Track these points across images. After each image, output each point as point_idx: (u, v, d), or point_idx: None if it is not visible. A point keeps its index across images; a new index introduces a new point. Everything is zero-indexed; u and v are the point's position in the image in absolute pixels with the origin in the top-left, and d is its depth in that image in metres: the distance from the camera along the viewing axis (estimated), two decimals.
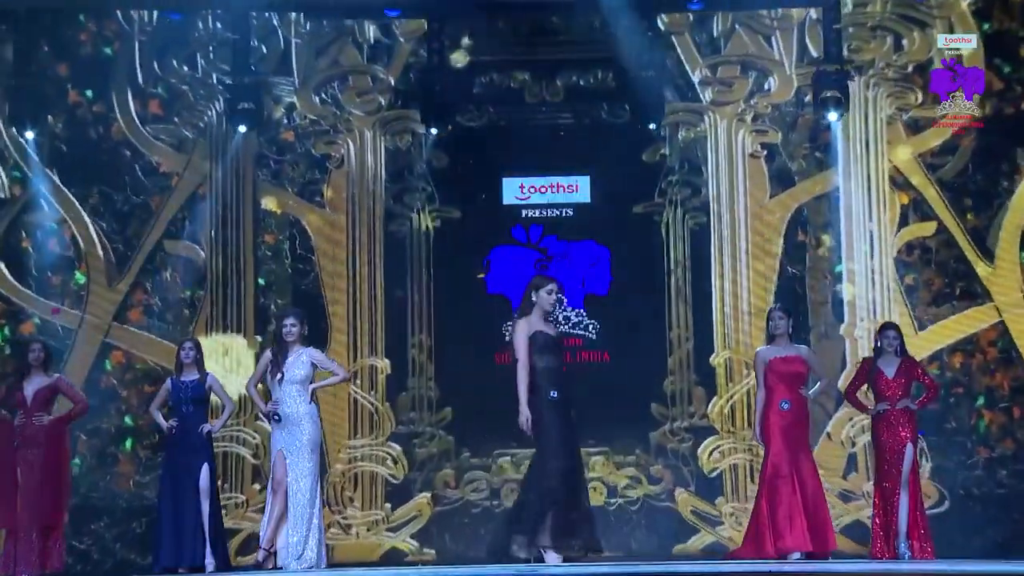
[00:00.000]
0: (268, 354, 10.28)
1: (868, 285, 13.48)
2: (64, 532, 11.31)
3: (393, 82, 13.94)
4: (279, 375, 10.12)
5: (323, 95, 13.97)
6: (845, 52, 13.48)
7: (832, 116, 13.04)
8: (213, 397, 11.25)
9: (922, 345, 13.27)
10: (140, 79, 13.90)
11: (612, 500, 13.46)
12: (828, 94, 12.81)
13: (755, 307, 13.41)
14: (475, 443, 13.58)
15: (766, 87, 13.94)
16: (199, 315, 13.71)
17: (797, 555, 10.21)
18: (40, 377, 10.93)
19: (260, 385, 10.62)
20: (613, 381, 13.18)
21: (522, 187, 13.53)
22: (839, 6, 12.99)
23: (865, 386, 11.02)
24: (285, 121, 13.92)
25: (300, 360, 10.20)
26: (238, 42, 13.10)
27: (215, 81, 13.89)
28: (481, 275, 13.45)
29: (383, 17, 13.29)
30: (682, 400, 13.59)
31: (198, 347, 10.93)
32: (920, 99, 13.61)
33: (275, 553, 10.13)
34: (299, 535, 10.02)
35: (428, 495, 13.56)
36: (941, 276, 13.51)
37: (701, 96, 13.87)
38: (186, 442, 10.67)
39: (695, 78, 13.88)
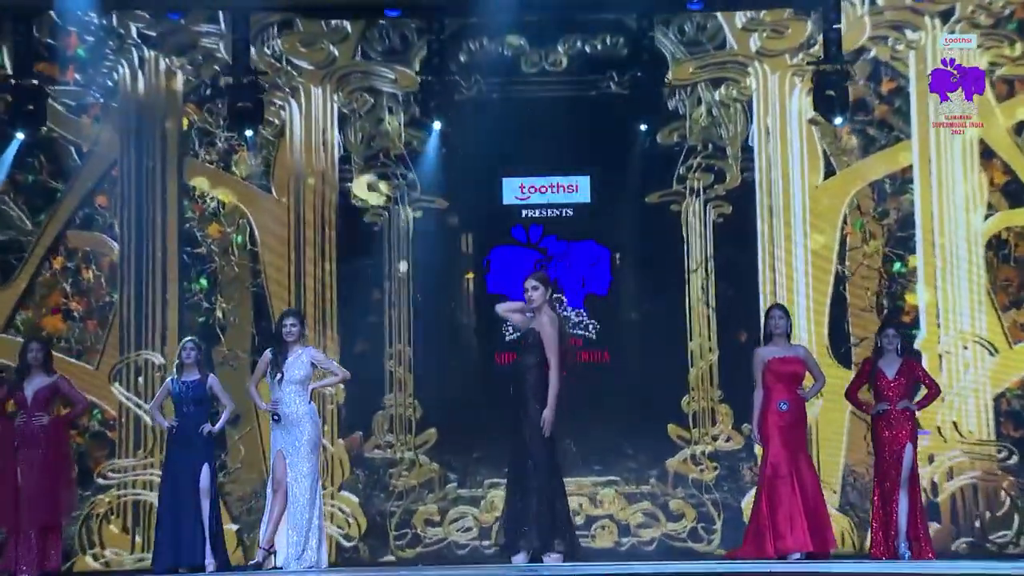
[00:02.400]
0: (268, 354, 10.53)
1: (951, 288, 12.33)
2: (62, 532, 11.42)
3: (350, 28, 12.57)
4: (279, 375, 10.38)
5: (261, 43, 12.52)
6: None
7: (837, 120, 12.16)
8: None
9: (1013, 364, 12.19)
10: (33, 28, 12.21)
11: (624, 540, 12.35)
12: (828, 94, 12.01)
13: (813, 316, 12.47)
14: (463, 470, 12.51)
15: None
16: (111, 325, 12.38)
17: (797, 555, 10.43)
18: (40, 377, 11.13)
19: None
20: (622, 398, 12.32)
21: (522, 187, 12.90)
22: (839, 6, 12.16)
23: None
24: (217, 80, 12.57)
25: (300, 360, 10.42)
26: (237, 41, 12.10)
27: (134, 33, 12.44)
28: (470, 275, 12.77)
29: (383, 17, 12.51)
30: (704, 421, 12.53)
31: (199, 347, 11.18)
32: (1020, 51, 12.28)
33: (275, 553, 10.34)
34: (299, 535, 10.25)
35: (393, 558, 12.22)
36: (1020, 274, 12.42)
37: (734, 44, 12.57)
38: (186, 442, 10.96)
39: (736, 23, 12.59)
